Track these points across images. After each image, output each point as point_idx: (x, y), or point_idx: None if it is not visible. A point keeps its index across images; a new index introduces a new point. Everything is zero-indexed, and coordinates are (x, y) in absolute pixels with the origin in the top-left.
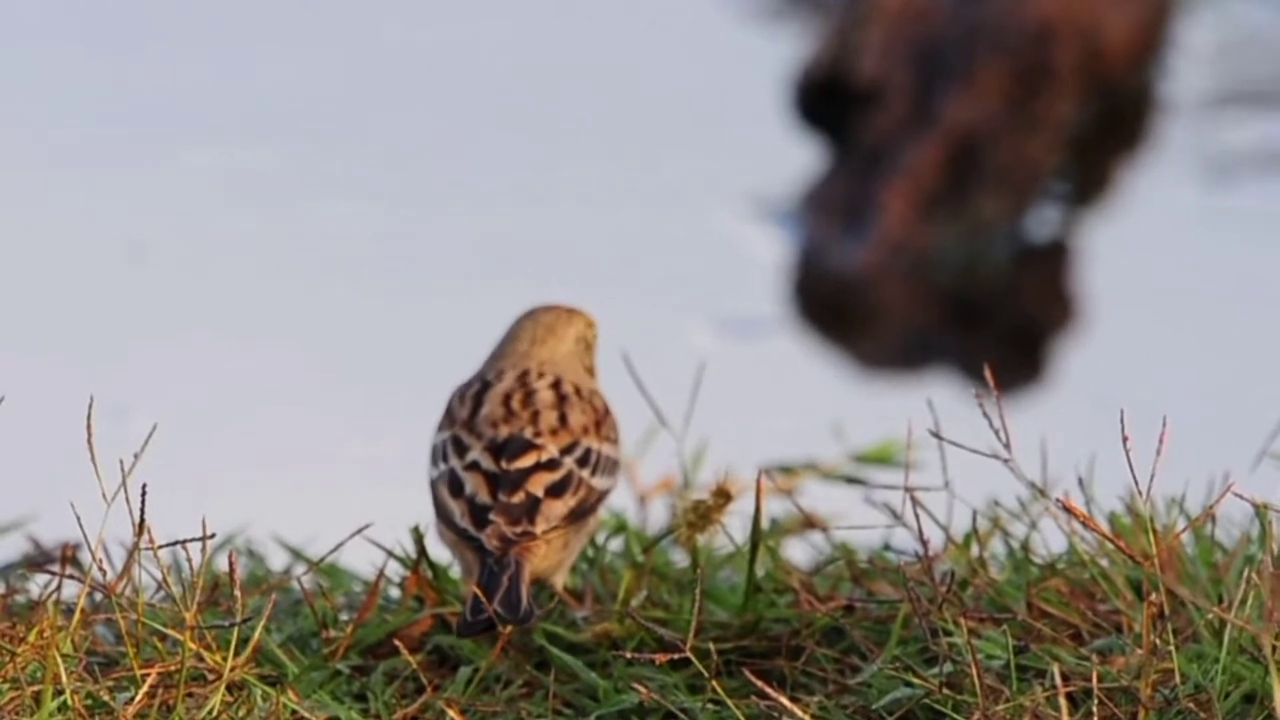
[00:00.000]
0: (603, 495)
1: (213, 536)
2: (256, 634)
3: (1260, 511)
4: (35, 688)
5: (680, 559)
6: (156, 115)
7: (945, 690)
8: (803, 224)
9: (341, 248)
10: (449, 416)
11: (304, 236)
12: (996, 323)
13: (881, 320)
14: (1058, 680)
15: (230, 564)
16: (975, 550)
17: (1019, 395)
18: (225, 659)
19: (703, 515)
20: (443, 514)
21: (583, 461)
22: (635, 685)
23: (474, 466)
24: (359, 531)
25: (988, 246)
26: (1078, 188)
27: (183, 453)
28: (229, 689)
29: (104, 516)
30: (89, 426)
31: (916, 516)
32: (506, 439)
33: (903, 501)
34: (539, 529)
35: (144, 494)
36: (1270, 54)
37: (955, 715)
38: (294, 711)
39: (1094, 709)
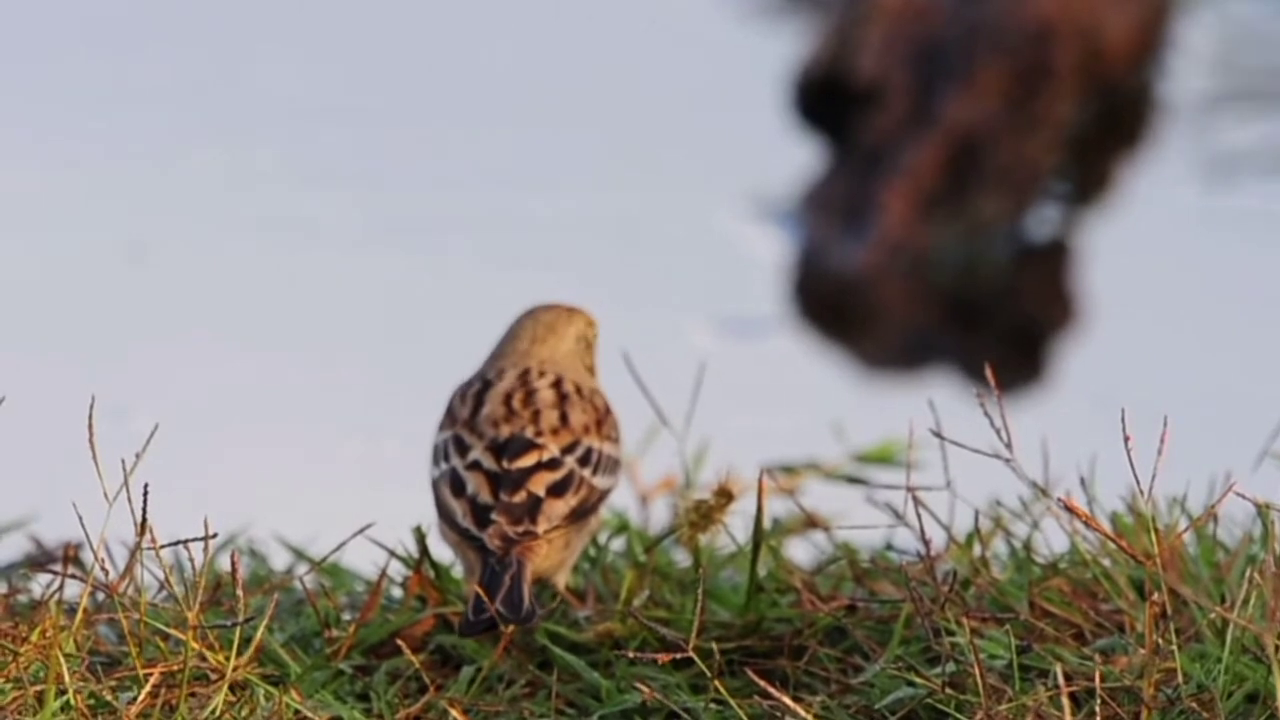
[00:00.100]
0: (604, 495)
1: (215, 536)
2: (259, 634)
3: (1262, 511)
4: (38, 687)
5: (682, 559)
6: (156, 115)
7: (948, 690)
8: (803, 224)
9: (341, 247)
10: (450, 416)
11: (304, 236)
12: (997, 322)
13: (882, 320)
14: (1060, 680)
15: (232, 564)
16: (977, 550)
17: (1020, 395)
18: (228, 659)
19: (704, 515)
20: (444, 513)
21: (584, 461)
22: (638, 685)
23: (475, 466)
24: (361, 531)
25: (988, 246)
26: (1077, 187)
27: (184, 452)
28: (231, 689)
29: (106, 516)
30: (90, 426)
31: (918, 516)
32: (508, 438)
33: (904, 501)
34: (541, 528)
35: (146, 494)
36: (1270, 54)
37: (958, 715)
38: (297, 711)
39: (1097, 709)
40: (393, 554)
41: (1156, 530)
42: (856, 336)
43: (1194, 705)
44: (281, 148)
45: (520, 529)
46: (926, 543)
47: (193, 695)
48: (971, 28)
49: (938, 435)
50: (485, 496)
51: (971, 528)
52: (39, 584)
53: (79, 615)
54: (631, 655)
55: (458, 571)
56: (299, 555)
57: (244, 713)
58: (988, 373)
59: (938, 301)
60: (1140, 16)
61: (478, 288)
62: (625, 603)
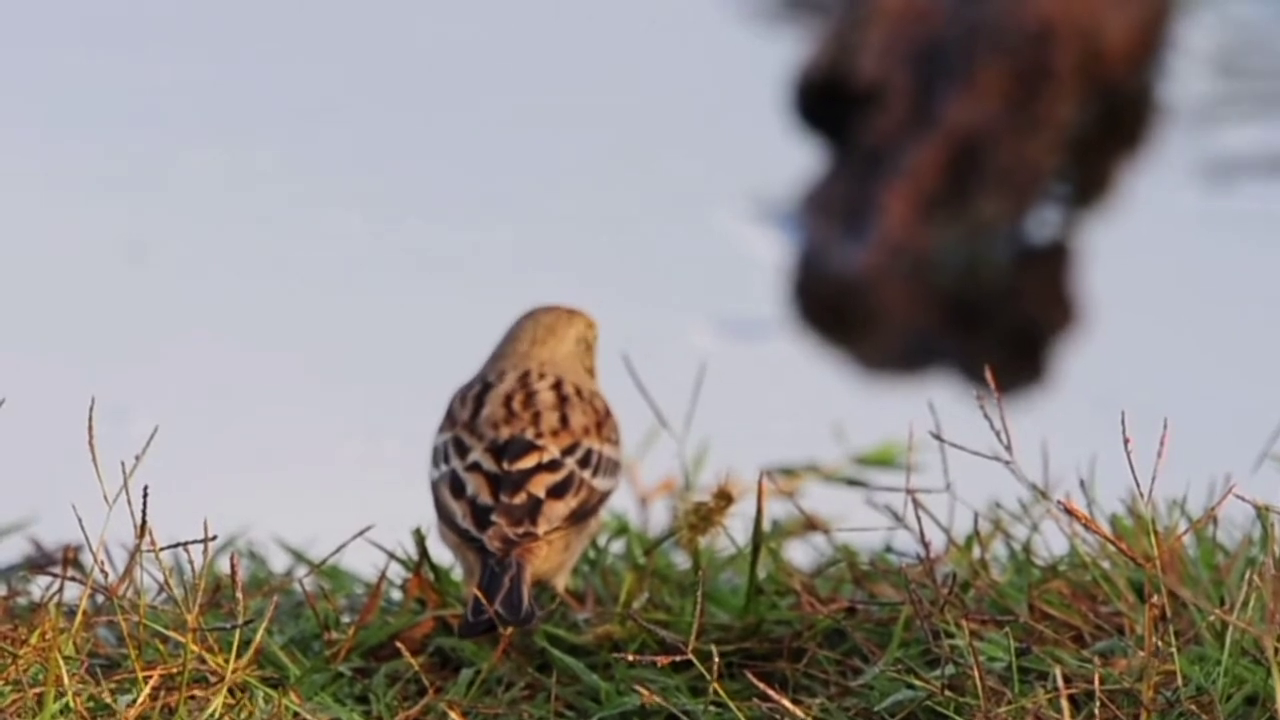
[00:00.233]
0: (604, 496)
1: (214, 538)
2: (258, 636)
3: (1262, 513)
4: (37, 690)
5: (682, 561)
6: (156, 115)
7: (947, 692)
8: (803, 225)
9: (341, 248)
10: (450, 418)
11: (304, 236)
12: (997, 324)
13: (882, 322)
14: (1060, 682)
15: (232, 566)
16: (977, 552)
17: (1020, 397)
18: (227, 661)
19: (704, 517)
20: (444, 515)
21: (584, 462)
22: (637, 687)
23: (475, 467)
24: (360, 533)
25: (988, 248)
26: (1078, 189)
27: (184, 454)
28: (231, 691)
29: (105, 518)
30: (90, 428)
31: (918, 518)
32: (508, 440)
33: (904, 503)
34: (541, 530)
35: (145, 496)
36: (1270, 55)
37: (957, 717)
38: (296, 714)
39: (1096, 711)
40: (392, 556)
41: (1156, 533)
42: (857, 338)
43: (1193, 708)
44: (281, 148)
45: (520, 530)
46: (926, 545)
47: (192, 698)
48: (972, 29)
49: (937, 437)
50: (485, 498)
51: (971, 530)
52: (38, 586)
53: (78, 617)
54: (631, 657)
55: (457, 574)
56: (298, 557)
57: (243, 715)
58: (988, 375)
59: (938, 303)
60: (1140, 18)
61: (477, 288)
62: (624, 605)
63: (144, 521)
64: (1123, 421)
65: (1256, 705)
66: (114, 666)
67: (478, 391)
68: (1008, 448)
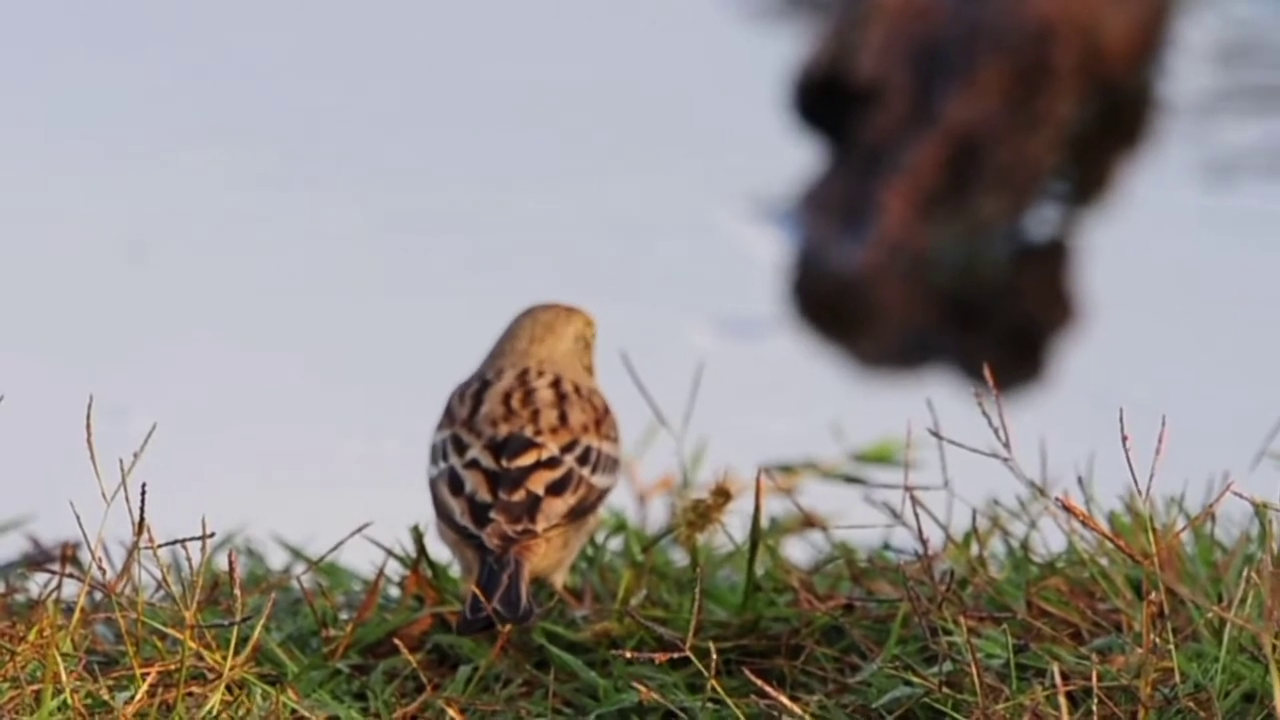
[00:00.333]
0: (603, 494)
1: (212, 535)
2: (256, 633)
3: (1260, 510)
4: (35, 687)
5: (680, 558)
6: (156, 115)
7: (945, 689)
8: (802, 224)
9: (341, 248)
10: (448, 415)
11: (304, 236)
12: (996, 322)
13: (881, 320)
14: (1057, 679)
15: (230, 563)
16: (975, 549)
17: (1018, 394)
18: (225, 658)
19: (702, 514)
20: (443, 512)
21: (583, 460)
22: (635, 684)
23: (474, 465)
24: (358, 530)
25: (987, 246)
26: (1077, 187)
27: (182, 452)
28: (229, 688)
29: (103, 516)
30: (88, 426)
31: (916, 516)
32: (506, 437)
33: (902, 501)
34: (540, 527)
35: (143, 493)
36: (1270, 54)
37: (955, 714)
38: (294, 710)
39: (1094, 708)
40: (390, 553)
41: (1154, 530)
42: (855, 336)
43: (1191, 704)
44: (281, 148)
45: (519, 527)
46: (924, 542)
47: (190, 694)
48: (971, 27)
49: (936, 435)
50: (484, 495)
51: (969, 527)
52: (36, 583)
53: (76, 614)
54: (629, 654)
55: (455, 571)
56: (296, 555)
57: (241, 712)
58: (986, 372)
59: (937, 301)
60: (1140, 16)
61: (477, 287)
62: (622, 602)
63: (142, 519)
64: (1121, 419)
65: (1254, 702)
66: (112, 663)
67: (476, 389)
68: (1006, 445)
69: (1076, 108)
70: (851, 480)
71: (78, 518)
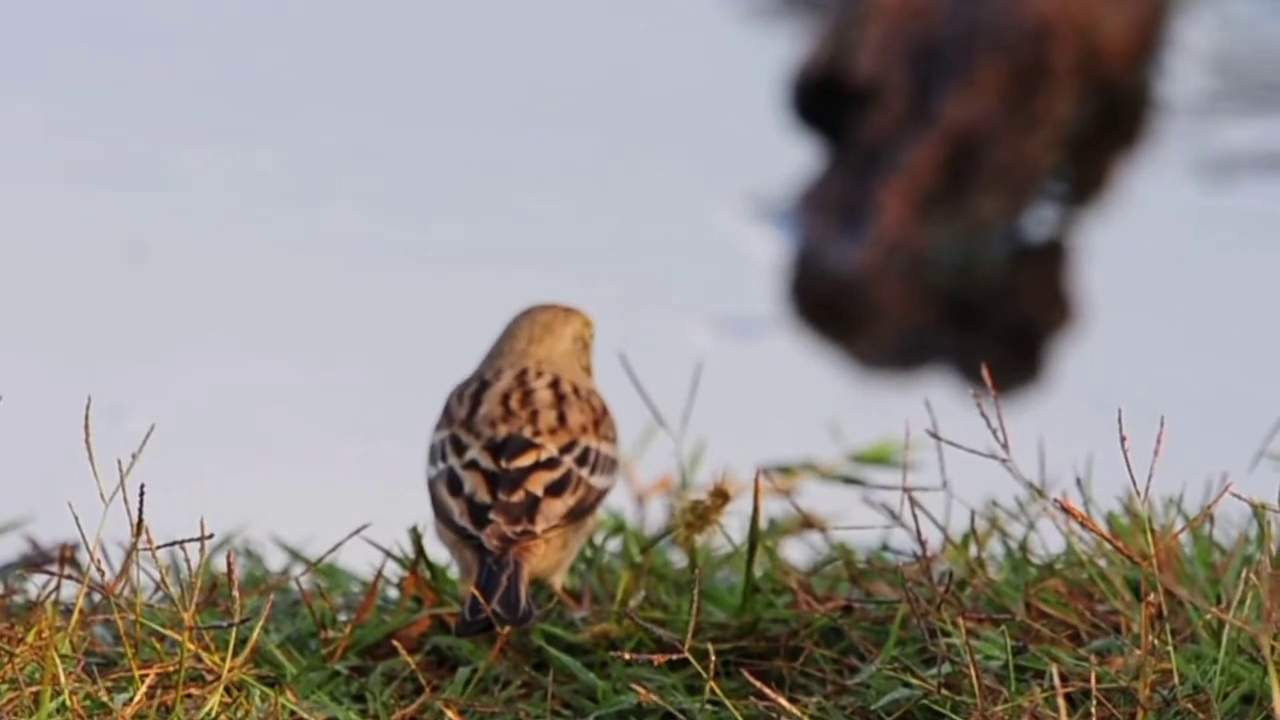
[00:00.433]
0: (601, 495)
1: (211, 537)
2: (255, 634)
3: (1258, 512)
4: (34, 688)
5: (678, 559)
6: (156, 115)
7: (944, 691)
8: (800, 224)
9: (341, 248)
10: (447, 416)
11: (304, 236)
12: (994, 322)
13: (879, 320)
14: (1056, 681)
15: (228, 564)
16: (973, 550)
17: (1016, 395)
18: (223, 659)
19: (701, 515)
20: (441, 513)
21: (582, 460)
22: (633, 686)
23: (473, 465)
24: (357, 532)
25: (985, 246)
26: (1075, 187)
27: (181, 453)
28: (227, 689)
29: (102, 517)
30: (87, 426)
31: (914, 517)
32: (505, 438)
33: (901, 502)
34: (539, 528)
35: (142, 494)
36: (1268, 54)
37: (954, 716)
38: (292, 712)
39: (1092, 709)
40: (389, 555)
41: (1153, 531)
42: (853, 336)
43: (1190, 706)
44: (281, 148)
45: (518, 528)
46: (923, 543)
47: (188, 696)
48: (969, 27)
49: (934, 436)
50: (483, 496)
51: (968, 528)
52: (35, 585)
53: (75, 616)
54: (627, 656)
55: (454, 572)
56: (295, 556)
57: (240, 713)
58: (984, 373)
59: (935, 301)
60: (1138, 16)
61: (477, 288)
62: (621, 603)
63: (140, 520)
64: (1119, 420)
65: (1253, 704)
66: (111, 665)
67: (475, 390)
68: (1004, 446)
69: (1074, 107)
70: (850, 481)
71: (76, 519)
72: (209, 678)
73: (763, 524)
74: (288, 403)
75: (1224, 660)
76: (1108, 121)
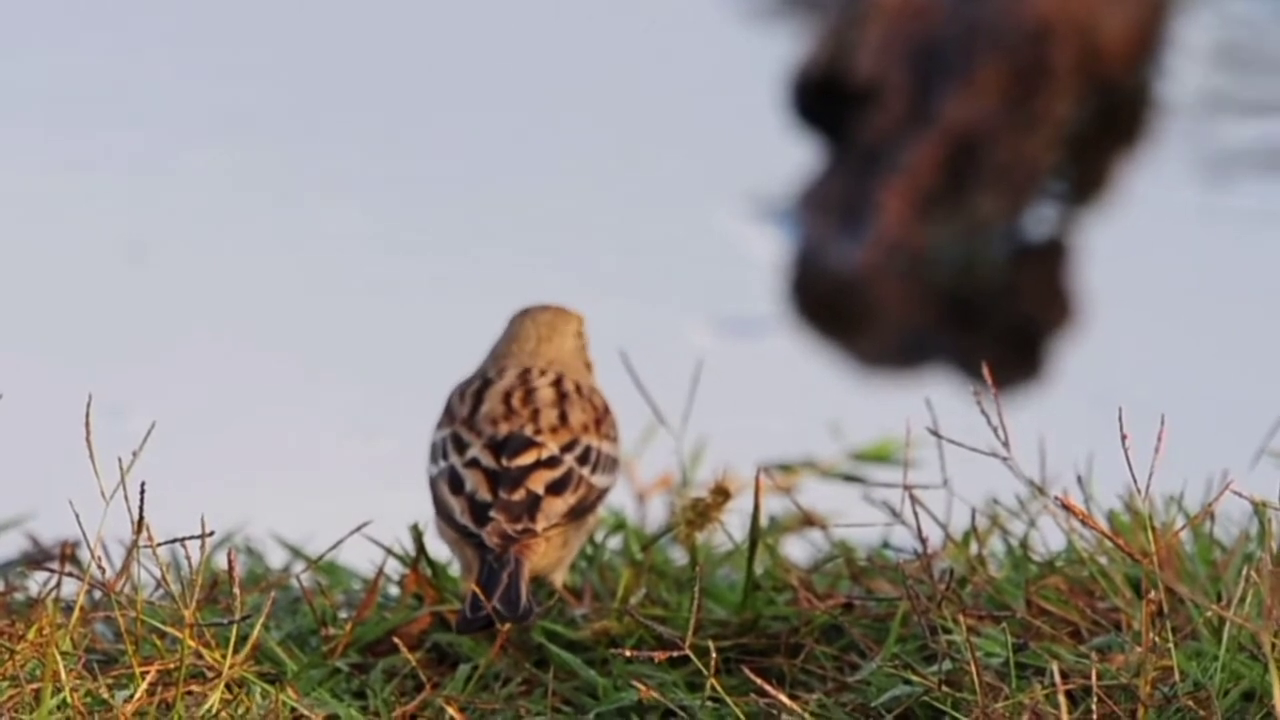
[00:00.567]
0: (602, 493)
1: (211, 534)
2: (255, 632)
3: (1259, 509)
4: (35, 685)
5: (679, 557)
6: (157, 115)
7: (944, 688)
8: (800, 223)
9: (341, 248)
10: (448, 414)
11: (304, 236)
12: (994, 321)
13: (879, 319)
14: (1057, 678)
15: (229, 562)
16: (974, 548)
17: (1017, 393)
18: (224, 656)
19: (701, 513)
20: (442, 511)
21: (583, 459)
22: (634, 683)
23: (474, 463)
24: (358, 529)
25: (985, 245)
26: (1076, 186)
27: (182, 451)
28: (228, 686)
29: (103, 514)
30: (88, 425)
31: (915, 514)
32: (506, 436)
33: (901, 499)
34: (540, 526)
35: (143, 492)
36: (1268, 53)
37: (954, 713)
38: (293, 709)
39: (1093, 706)
40: (390, 552)
41: (1153, 528)
42: (854, 335)
43: (1190, 703)
44: (282, 148)
45: (519, 527)
46: (923, 541)
47: (189, 693)
48: (970, 27)
49: (935, 434)
50: (484, 494)
51: (968, 526)
52: (36, 582)
53: (76, 613)
54: (628, 653)
55: (455, 569)
56: (296, 553)
57: (240, 711)
58: (985, 371)
59: (935, 300)
60: (1138, 15)
61: (477, 287)
62: (622, 601)
63: (141, 517)
64: (1120, 418)
65: (1254, 701)
66: (111, 662)
67: (477, 388)
68: (1005, 444)
69: (1075, 107)
70: (850, 479)
71: (77, 516)
72: (210, 675)
73: (763, 521)
74: (288, 402)
75: (1225, 657)
76: (1108, 121)
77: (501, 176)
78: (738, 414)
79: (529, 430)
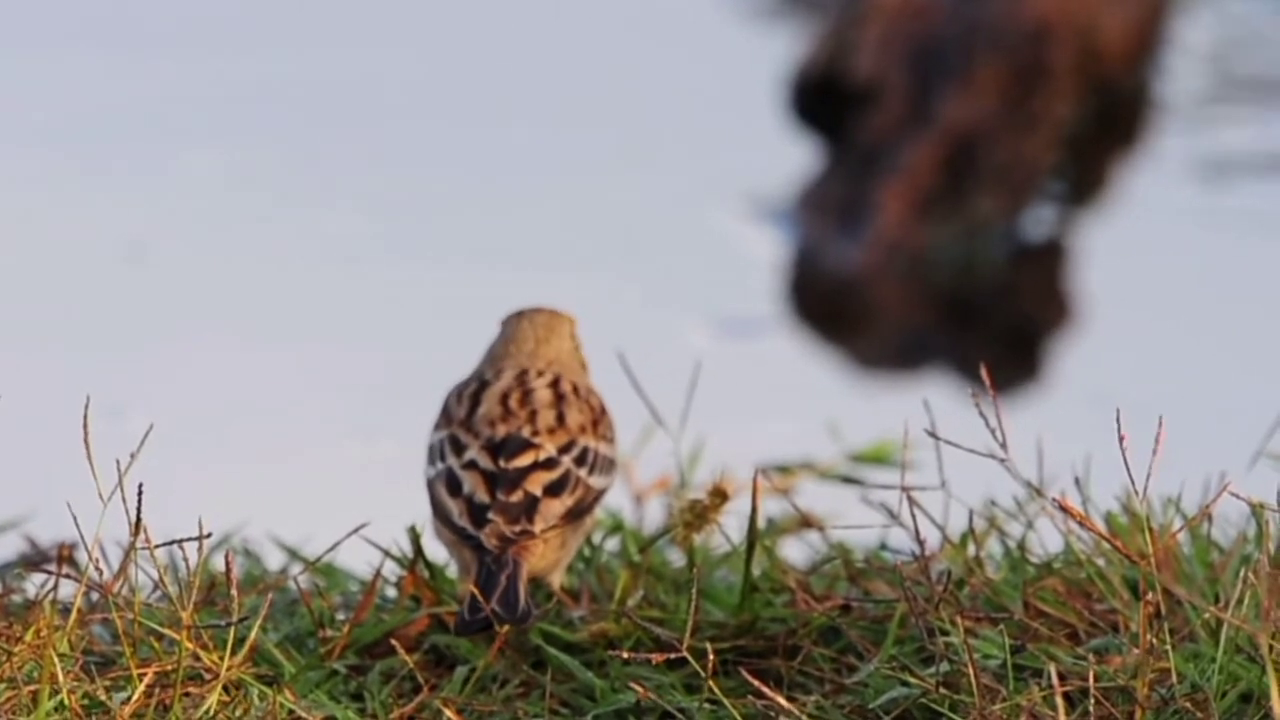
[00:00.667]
0: (600, 494)
1: (209, 536)
2: (253, 633)
3: (1257, 511)
4: (32, 687)
5: (677, 558)
6: (157, 115)
7: (942, 690)
8: (799, 224)
9: (341, 248)
10: (446, 416)
11: (303, 236)
12: (993, 322)
13: (878, 320)
14: (1054, 679)
15: (227, 563)
16: (972, 550)
17: (1015, 395)
18: (222, 658)
19: (699, 515)
20: (440, 513)
21: (580, 460)
22: (632, 685)
23: (472, 465)
24: (355, 531)
25: (984, 246)
26: (1074, 187)
27: (180, 452)
28: (226, 688)
29: (100, 516)
30: (86, 426)
31: (913, 516)
32: (504, 438)
33: (899, 501)
34: (538, 528)
35: (140, 493)
36: (1267, 52)
37: (952, 715)
38: (291, 711)
39: (1090, 708)
40: (387, 554)
41: (1151, 530)
42: (852, 336)
43: (1188, 705)
44: (282, 148)
45: (517, 528)
46: (921, 542)
47: (187, 695)
48: (969, 27)
49: (933, 435)
50: (482, 496)
51: (966, 528)
52: (33, 584)
53: (73, 615)
54: (626, 655)
55: (452, 571)
56: (293, 555)
57: (238, 712)
58: (983, 372)
59: (934, 301)
60: (1137, 16)
61: (476, 288)
62: (620, 602)
63: (139, 519)
64: (1118, 419)
65: (1251, 703)
66: (109, 664)
67: (474, 389)
68: (1003, 445)
69: (1073, 107)
70: (848, 481)
71: (75, 518)
72: (207, 676)
73: (761, 523)
74: (287, 402)
75: (1222, 659)
76: (1107, 121)
77: (502, 177)
78: (736, 415)
79: (526, 432)
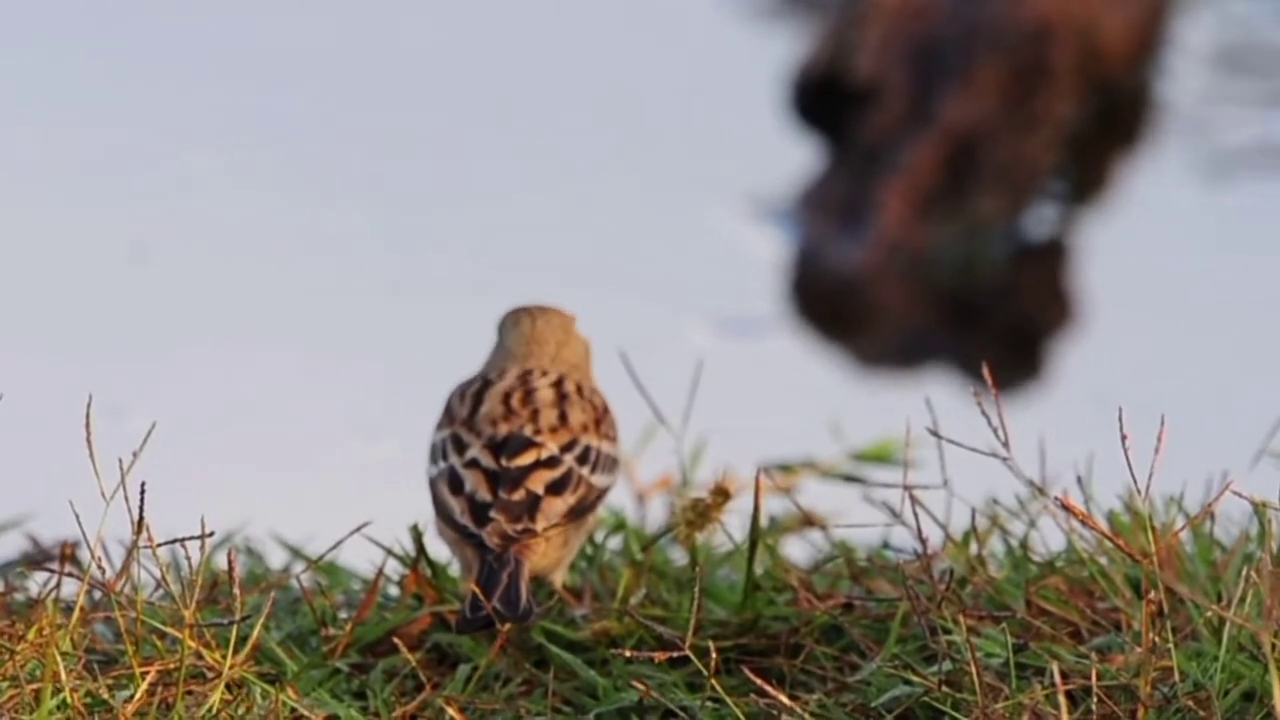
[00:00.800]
0: (602, 493)
1: (212, 534)
2: (255, 632)
3: (1259, 509)
4: (35, 686)
5: (679, 557)
6: (157, 115)
7: (944, 688)
8: (800, 223)
9: (342, 248)
10: (448, 415)
11: (304, 237)
12: (994, 321)
13: (879, 319)
14: (1057, 678)
15: (229, 562)
16: (974, 548)
17: (1017, 394)
18: (224, 657)
19: (701, 513)
20: (442, 512)
21: (582, 459)
22: (634, 683)
23: (474, 464)
24: (358, 530)
25: (985, 245)
26: (1076, 186)
27: (182, 451)
28: (228, 687)
29: (103, 514)
30: (88, 425)
31: (915, 515)
32: (506, 436)
33: (901, 500)
34: (540, 526)
35: (143, 492)
36: (1268, 53)
37: (954, 713)
38: (293, 709)
39: (1093, 707)
40: (390, 552)
41: (1153, 529)
42: (854, 335)
43: (1190, 703)
44: (282, 148)
45: (519, 527)
46: (923, 541)
47: (189, 693)
48: (970, 27)
49: (935, 434)
50: (484, 494)
51: (968, 526)
52: (36, 582)
53: (76, 613)
54: (628, 653)
55: (454, 570)
56: (296, 554)
57: (241, 711)
58: (985, 372)
59: (935, 300)
60: (1138, 15)
61: (476, 288)
62: (622, 601)
63: (141, 518)
64: (1120, 418)
65: (1254, 701)
66: (111, 662)
67: (477, 388)
68: (1005, 444)
69: (1075, 107)
70: (851, 479)
71: (77, 516)
72: (210, 675)
73: (763, 522)
74: (288, 402)
75: (1225, 658)
76: (1108, 121)
77: (502, 176)
78: (738, 414)
79: (528, 430)
